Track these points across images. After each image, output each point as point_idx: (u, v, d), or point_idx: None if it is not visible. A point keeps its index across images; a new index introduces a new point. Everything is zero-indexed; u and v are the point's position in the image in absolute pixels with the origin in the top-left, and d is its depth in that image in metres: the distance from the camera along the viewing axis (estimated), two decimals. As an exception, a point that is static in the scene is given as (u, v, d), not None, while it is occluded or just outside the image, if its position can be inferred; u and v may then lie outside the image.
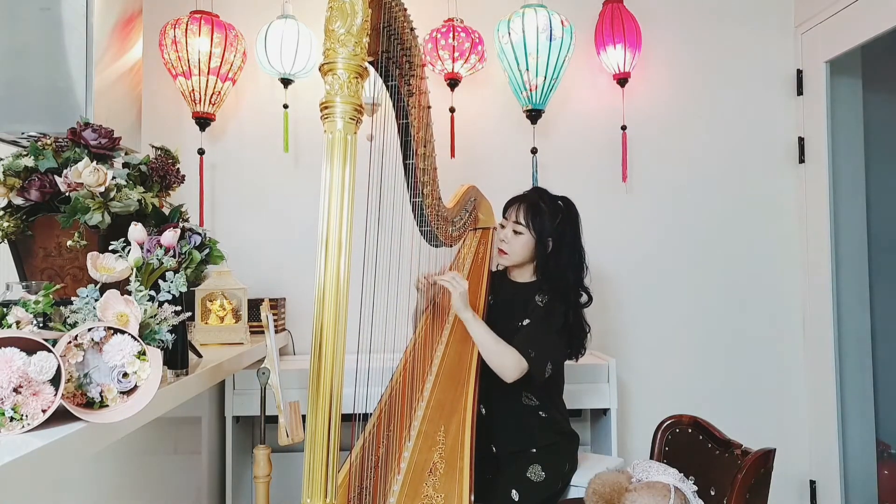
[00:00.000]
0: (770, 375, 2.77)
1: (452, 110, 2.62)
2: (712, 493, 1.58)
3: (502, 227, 1.95)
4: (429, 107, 1.64)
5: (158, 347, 1.16)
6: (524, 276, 1.97)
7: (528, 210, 1.89)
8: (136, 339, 1.09)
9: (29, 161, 1.41)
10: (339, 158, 1.10)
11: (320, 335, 1.09)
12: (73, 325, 1.11)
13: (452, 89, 2.59)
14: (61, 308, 1.16)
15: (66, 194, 1.39)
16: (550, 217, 1.88)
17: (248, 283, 2.14)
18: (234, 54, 2.50)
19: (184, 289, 1.31)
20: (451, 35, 2.52)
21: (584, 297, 1.89)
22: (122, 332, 1.08)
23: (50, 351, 0.97)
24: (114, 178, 1.43)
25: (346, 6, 1.11)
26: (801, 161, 2.78)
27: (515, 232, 1.90)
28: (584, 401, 2.35)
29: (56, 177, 1.40)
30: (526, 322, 1.83)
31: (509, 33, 2.47)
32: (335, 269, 1.09)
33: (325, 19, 1.13)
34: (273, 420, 1.50)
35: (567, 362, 1.93)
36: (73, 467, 1.18)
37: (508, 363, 1.72)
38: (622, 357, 2.68)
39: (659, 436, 1.79)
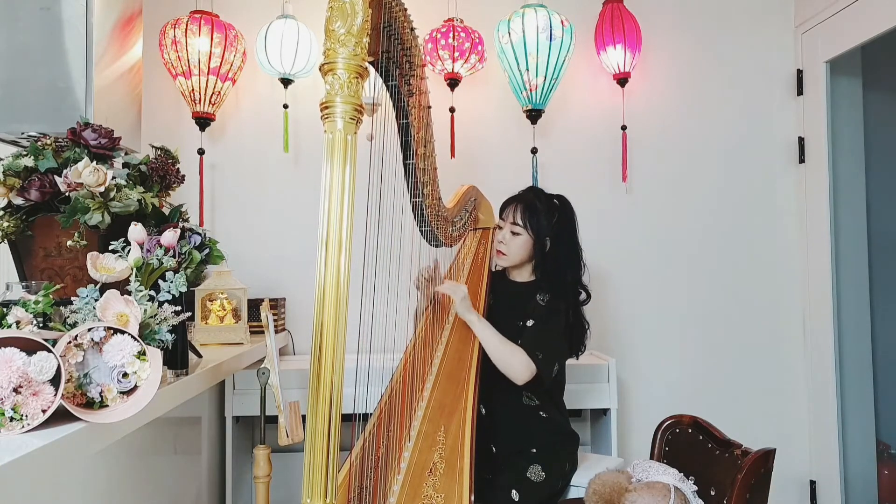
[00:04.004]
0: (770, 375, 2.77)
1: (452, 110, 2.62)
2: (712, 493, 1.58)
3: (500, 227, 1.95)
4: (429, 107, 1.64)
5: (158, 347, 1.16)
6: (523, 275, 1.97)
7: (525, 210, 1.89)
8: (136, 339, 1.08)
9: (29, 161, 1.41)
10: (339, 158, 1.10)
11: (320, 336, 1.09)
12: (73, 325, 1.11)
13: (452, 89, 2.59)
14: (61, 308, 1.16)
15: (66, 194, 1.39)
16: (547, 216, 1.88)
17: (248, 283, 2.14)
18: (234, 54, 2.50)
19: (184, 289, 1.31)
20: (451, 35, 2.52)
21: (583, 295, 1.90)
22: (122, 332, 1.08)
23: (50, 351, 0.97)
24: (114, 178, 1.43)
25: (347, 6, 1.11)
26: (801, 161, 2.78)
27: (513, 233, 1.90)
28: (584, 401, 2.35)
29: (56, 177, 1.40)
30: (530, 323, 1.82)
31: (509, 33, 2.47)
32: (335, 269, 1.09)
33: (325, 19, 1.13)
34: (273, 420, 1.50)
35: (567, 361, 1.93)
36: (73, 467, 1.18)
37: (517, 364, 1.73)
38: (622, 357, 2.68)
39: (659, 436, 1.79)
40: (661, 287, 2.78)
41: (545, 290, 1.87)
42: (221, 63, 2.46)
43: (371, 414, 1.67)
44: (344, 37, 1.11)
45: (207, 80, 2.46)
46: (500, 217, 1.97)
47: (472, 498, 1.47)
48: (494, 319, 1.89)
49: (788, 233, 2.80)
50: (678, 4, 2.82)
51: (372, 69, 1.26)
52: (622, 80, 2.65)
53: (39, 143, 1.46)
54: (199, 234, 1.49)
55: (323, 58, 1.14)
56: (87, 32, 1.89)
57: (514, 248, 1.91)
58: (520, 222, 1.89)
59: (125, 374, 1.06)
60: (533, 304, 1.86)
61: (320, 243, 1.10)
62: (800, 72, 2.78)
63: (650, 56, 2.77)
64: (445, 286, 1.80)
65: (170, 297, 1.28)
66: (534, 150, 2.66)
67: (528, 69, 2.48)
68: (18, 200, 1.40)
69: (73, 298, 1.17)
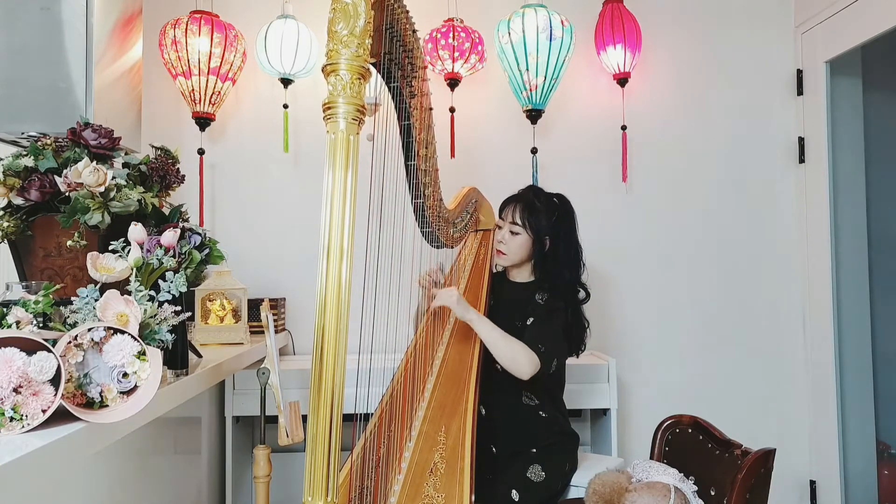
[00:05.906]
0: (770, 375, 2.77)
1: (452, 110, 2.62)
2: (712, 493, 1.58)
3: (499, 227, 1.95)
4: (430, 108, 1.64)
5: (158, 347, 1.16)
6: (523, 275, 1.97)
7: (524, 210, 1.89)
8: (135, 339, 1.08)
9: (29, 161, 1.41)
10: (341, 159, 1.10)
11: (321, 337, 1.09)
12: (73, 325, 1.11)
13: (452, 89, 2.59)
14: (61, 308, 1.16)
15: (66, 194, 1.39)
16: (546, 215, 1.88)
17: (248, 283, 2.14)
18: (234, 54, 2.50)
19: (184, 289, 1.30)
20: (451, 35, 2.52)
21: (582, 294, 1.90)
22: (122, 332, 1.08)
23: (50, 351, 0.96)
24: (114, 178, 1.43)
25: (349, 8, 1.11)
26: (801, 161, 2.78)
27: (512, 232, 1.90)
28: (584, 401, 2.35)
29: (56, 177, 1.40)
30: (530, 321, 1.82)
31: (509, 33, 2.47)
32: (337, 269, 1.09)
33: (328, 20, 1.13)
34: (273, 420, 1.50)
35: (567, 361, 1.92)
36: (73, 467, 1.18)
37: (521, 359, 1.71)
38: (622, 357, 2.68)
39: (659, 436, 1.79)
40: (661, 287, 2.78)
41: (544, 290, 1.87)
42: (221, 63, 2.46)
43: (372, 414, 1.67)
44: (347, 38, 1.11)
45: (207, 80, 2.46)
46: (500, 216, 1.97)
47: (473, 498, 1.47)
48: (495, 321, 1.88)
49: (788, 233, 2.80)
50: (678, 4, 2.82)
51: (374, 70, 1.26)
52: (622, 80, 2.65)
53: (39, 143, 1.45)
54: (199, 234, 1.49)
55: (325, 59, 1.14)
56: (87, 32, 1.89)
57: (513, 247, 1.91)
58: (519, 221, 1.89)
59: (125, 374, 1.06)
60: (532, 304, 1.86)
61: (322, 243, 1.10)
62: (800, 72, 2.78)
63: (650, 56, 2.77)
64: (438, 297, 1.77)
65: (170, 297, 1.28)
66: (534, 150, 2.66)
67: (528, 69, 2.48)
68: (18, 200, 1.40)
69: (73, 298, 1.16)
